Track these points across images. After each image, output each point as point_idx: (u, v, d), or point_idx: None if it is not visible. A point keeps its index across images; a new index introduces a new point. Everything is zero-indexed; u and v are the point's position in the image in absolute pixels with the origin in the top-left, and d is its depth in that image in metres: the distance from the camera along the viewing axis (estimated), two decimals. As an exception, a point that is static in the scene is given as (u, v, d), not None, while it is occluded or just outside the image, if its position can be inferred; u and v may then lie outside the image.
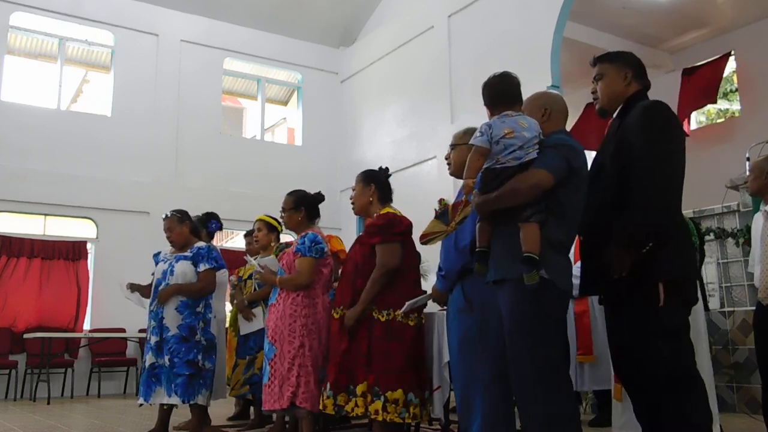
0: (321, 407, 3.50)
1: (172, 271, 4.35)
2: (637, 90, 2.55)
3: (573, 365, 4.06)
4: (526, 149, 2.45)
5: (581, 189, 2.49)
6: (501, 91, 2.65)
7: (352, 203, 3.79)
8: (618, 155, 2.43)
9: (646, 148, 2.32)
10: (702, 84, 9.21)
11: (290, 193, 4.09)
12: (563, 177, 2.42)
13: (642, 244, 2.28)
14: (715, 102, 9.23)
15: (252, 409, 5.28)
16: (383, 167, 3.87)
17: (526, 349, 2.34)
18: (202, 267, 4.39)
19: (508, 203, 2.42)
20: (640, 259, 2.28)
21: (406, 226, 3.55)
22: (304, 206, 4.01)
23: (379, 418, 3.32)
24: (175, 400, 4.15)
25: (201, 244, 4.52)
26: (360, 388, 3.36)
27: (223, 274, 5.23)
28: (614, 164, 2.44)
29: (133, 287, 4.60)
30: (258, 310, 4.90)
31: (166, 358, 4.20)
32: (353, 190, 3.80)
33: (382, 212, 3.64)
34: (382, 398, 3.32)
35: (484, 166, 2.53)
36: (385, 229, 3.51)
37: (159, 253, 4.63)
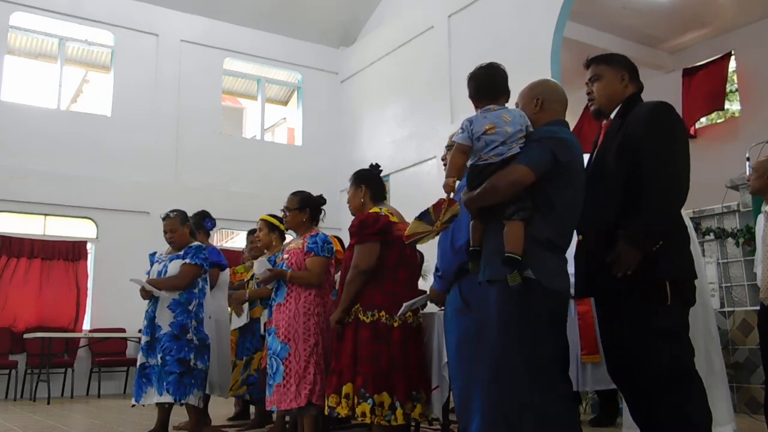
0: (326, 411, 3.49)
1: (165, 272, 4.33)
2: (634, 92, 2.55)
3: (576, 365, 4.04)
4: (508, 144, 2.38)
5: (573, 183, 2.41)
6: (485, 84, 2.58)
7: (349, 206, 3.78)
8: (622, 154, 2.41)
9: (658, 151, 2.32)
10: (707, 90, 9.23)
11: (295, 193, 4.08)
12: (549, 171, 2.35)
13: (653, 243, 2.28)
14: (722, 108, 9.20)
15: (252, 409, 5.28)
16: (374, 164, 3.83)
17: (515, 349, 2.30)
18: (185, 261, 4.33)
19: (490, 201, 2.39)
20: (644, 259, 2.28)
21: (383, 225, 3.47)
22: (309, 207, 4.02)
23: (367, 421, 3.30)
24: (167, 398, 4.12)
25: (195, 243, 4.49)
26: (345, 389, 3.35)
27: (225, 274, 5.23)
28: (619, 163, 2.41)
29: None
30: (245, 306, 4.89)
31: (159, 356, 4.17)
32: (347, 192, 3.80)
33: (368, 212, 3.60)
34: (370, 401, 3.29)
35: (469, 163, 2.48)
36: (359, 229, 3.48)
37: (155, 253, 4.59)
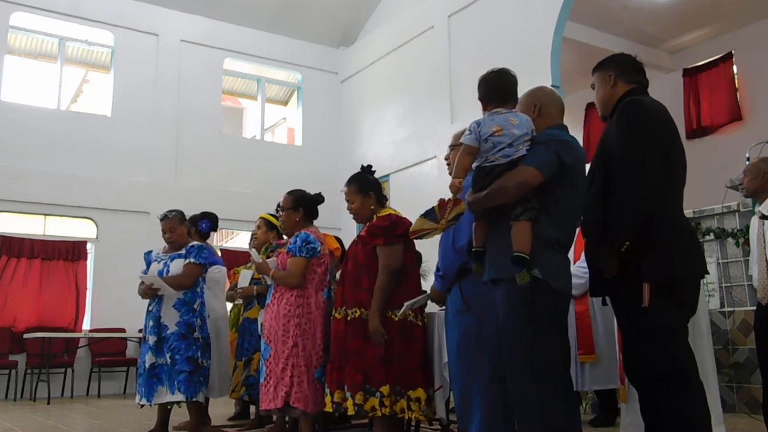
0: (330, 408, 3.50)
1: (167, 271, 4.32)
2: (627, 90, 2.53)
3: (574, 365, 4.05)
4: (515, 146, 2.43)
5: (578, 185, 2.45)
6: (496, 88, 2.61)
7: (352, 214, 3.74)
8: (601, 157, 2.45)
9: (619, 149, 2.33)
10: (720, 100, 9.21)
11: (290, 193, 4.07)
12: (555, 173, 2.38)
13: (618, 244, 2.27)
14: (740, 117, 9.15)
15: (252, 409, 5.28)
16: (366, 165, 3.82)
17: (521, 349, 2.33)
18: (187, 260, 4.33)
19: (497, 201, 2.41)
20: (630, 259, 2.28)
21: (407, 227, 3.52)
22: (302, 206, 4.01)
23: (407, 416, 3.37)
24: (179, 396, 4.13)
25: (196, 243, 4.49)
26: (385, 390, 3.35)
27: (219, 273, 5.22)
28: (600, 166, 2.45)
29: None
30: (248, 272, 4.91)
31: (167, 356, 4.18)
32: (349, 201, 3.71)
33: (383, 213, 3.63)
34: (406, 397, 3.36)
35: (475, 165, 2.51)
36: (389, 230, 3.50)
37: (150, 252, 4.58)
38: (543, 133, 2.51)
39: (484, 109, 2.63)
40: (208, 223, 5.22)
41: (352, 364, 3.44)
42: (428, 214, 2.79)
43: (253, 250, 4.16)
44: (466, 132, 2.53)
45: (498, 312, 2.46)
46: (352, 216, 3.79)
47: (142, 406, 4.24)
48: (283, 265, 3.88)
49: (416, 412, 3.37)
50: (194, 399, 4.16)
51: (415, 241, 3.55)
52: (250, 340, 4.85)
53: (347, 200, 3.74)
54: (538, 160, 2.38)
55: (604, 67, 2.61)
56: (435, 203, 3.15)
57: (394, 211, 3.68)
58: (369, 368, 3.39)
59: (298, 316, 3.77)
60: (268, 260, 4.09)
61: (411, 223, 3.53)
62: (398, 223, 3.54)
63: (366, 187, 3.69)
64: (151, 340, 4.27)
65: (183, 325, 4.23)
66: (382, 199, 3.73)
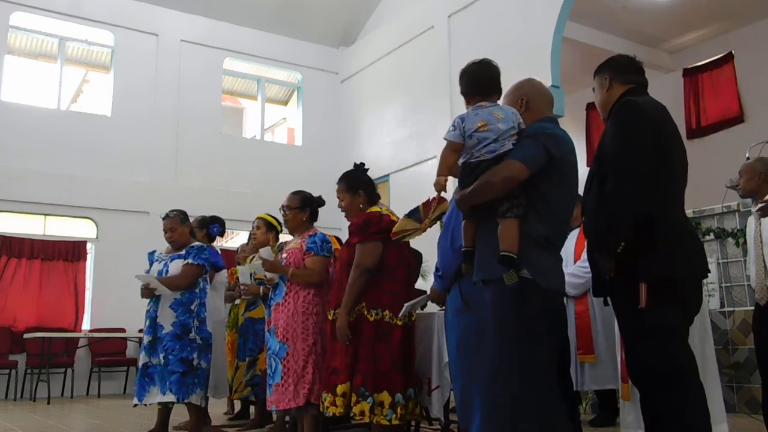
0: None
1: (166, 271, 4.32)
2: (624, 91, 2.51)
3: (574, 365, 4.04)
4: (501, 141, 2.36)
5: (567, 180, 2.41)
6: (477, 80, 2.56)
7: (343, 212, 3.70)
8: (598, 158, 2.44)
9: (613, 151, 2.33)
10: (722, 101, 9.20)
11: (295, 193, 4.06)
12: (543, 167, 2.33)
13: (614, 246, 2.27)
14: (741, 118, 9.12)
15: (252, 408, 5.28)
16: (358, 163, 3.78)
17: (512, 349, 2.29)
18: (186, 261, 4.31)
19: (483, 198, 2.35)
20: (627, 260, 2.27)
21: (386, 224, 3.42)
22: (309, 207, 4.02)
23: (365, 420, 3.27)
24: (170, 397, 4.11)
25: (197, 244, 4.48)
26: (341, 389, 3.30)
27: (221, 275, 5.22)
28: (598, 168, 2.44)
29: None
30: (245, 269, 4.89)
31: (161, 356, 4.17)
32: (339, 199, 3.68)
33: (368, 212, 3.58)
34: (370, 400, 3.26)
35: (461, 161, 2.45)
36: (363, 228, 3.45)
37: (154, 252, 4.58)
38: (532, 126, 2.46)
39: (468, 103, 2.56)
40: (218, 228, 5.23)
41: (327, 363, 3.47)
42: (412, 214, 2.75)
43: (267, 248, 4.13)
44: (450, 127, 2.46)
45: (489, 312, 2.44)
46: (345, 217, 3.76)
47: (135, 405, 4.24)
48: (296, 264, 3.87)
49: (378, 416, 3.25)
50: (186, 400, 4.13)
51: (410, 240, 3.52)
52: (254, 340, 4.84)
53: (338, 197, 3.71)
54: (525, 154, 2.32)
55: (600, 71, 2.60)
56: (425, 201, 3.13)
57: (384, 209, 3.60)
58: (339, 368, 3.37)
59: (316, 314, 3.79)
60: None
61: (390, 220, 3.47)
62: (373, 220, 3.45)
63: (355, 185, 3.64)
64: (146, 339, 4.27)
65: (179, 325, 4.22)
66: (374, 198, 3.68)
